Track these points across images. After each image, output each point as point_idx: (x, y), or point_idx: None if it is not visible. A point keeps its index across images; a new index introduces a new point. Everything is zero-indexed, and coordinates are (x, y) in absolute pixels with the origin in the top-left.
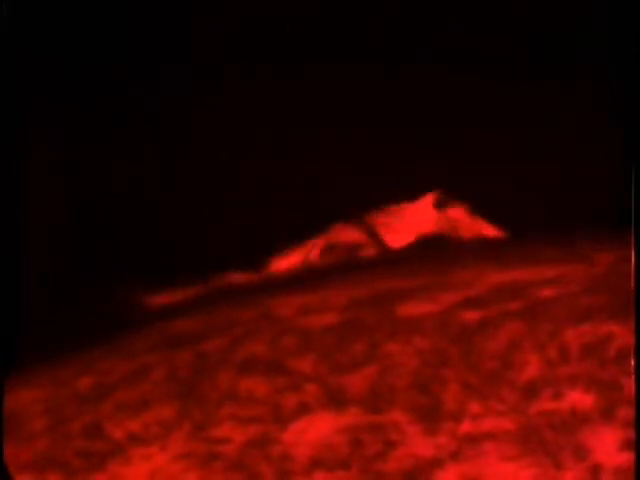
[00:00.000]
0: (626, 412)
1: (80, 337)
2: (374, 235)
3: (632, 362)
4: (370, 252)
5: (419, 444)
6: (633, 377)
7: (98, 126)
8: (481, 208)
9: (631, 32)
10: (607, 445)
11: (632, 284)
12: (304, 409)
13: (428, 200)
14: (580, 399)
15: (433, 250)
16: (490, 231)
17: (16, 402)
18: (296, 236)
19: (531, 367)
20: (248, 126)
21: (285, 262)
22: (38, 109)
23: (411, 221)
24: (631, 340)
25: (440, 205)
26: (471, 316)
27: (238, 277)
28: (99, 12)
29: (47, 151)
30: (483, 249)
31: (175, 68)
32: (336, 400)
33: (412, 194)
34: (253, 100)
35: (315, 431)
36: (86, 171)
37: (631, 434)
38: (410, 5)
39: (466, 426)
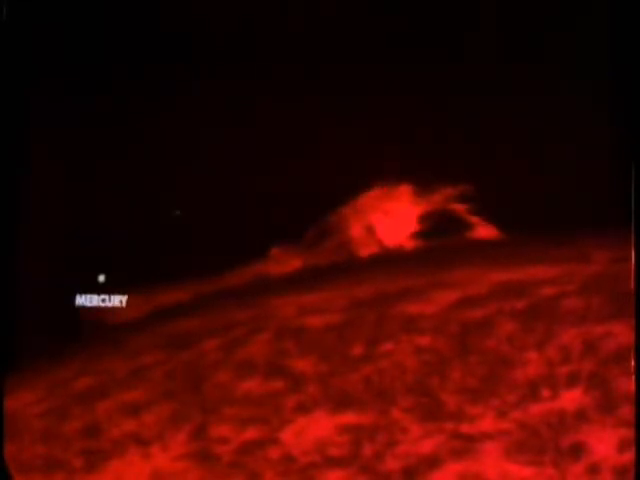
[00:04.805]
0: (626, 412)
1: (79, 337)
2: (374, 233)
3: (632, 362)
4: (370, 251)
5: (419, 444)
6: (633, 377)
7: (97, 126)
8: (481, 207)
9: (632, 30)
10: (606, 445)
11: (632, 284)
12: (304, 409)
13: (429, 199)
14: (580, 399)
15: (433, 249)
16: (490, 231)
17: (15, 403)
18: (294, 235)
19: (531, 366)
20: (246, 124)
21: (283, 261)
22: (38, 109)
23: (411, 220)
24: (631, 340)
25: (441, 204)
26: (471, 315)
27: (237, 277)
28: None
29: (45, 154)
30: (483, 248)
31: (172, 68)
32: (336, 400)
33: (411, 193)
34: (253, 103)
35: (315, 431)
36: (83, 172)
37: (631, 434)
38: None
39: (465, 426)
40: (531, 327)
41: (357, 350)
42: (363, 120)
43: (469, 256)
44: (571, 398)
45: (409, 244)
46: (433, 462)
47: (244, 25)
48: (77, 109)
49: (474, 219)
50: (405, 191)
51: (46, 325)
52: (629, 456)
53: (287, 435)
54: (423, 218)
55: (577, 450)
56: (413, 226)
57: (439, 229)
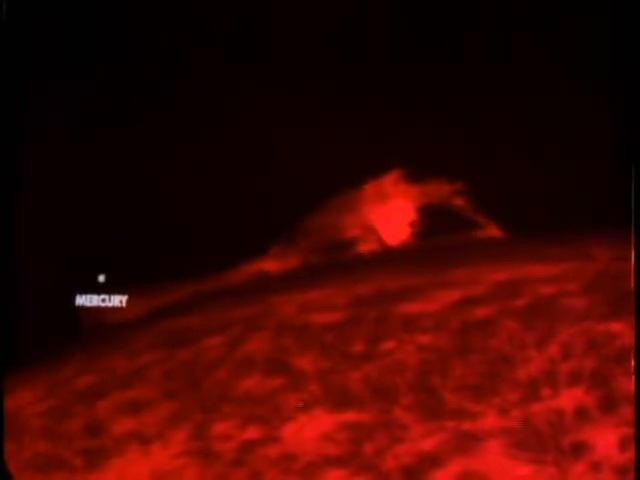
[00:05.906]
0: (626, 410)
1: (78, 337)
2: (374, 232)
3: (632, 361)
4: (371, 249)
5: (420, 442)
6: (633, 376)
7: (97, 126)
8: (481, 207)
9: (632, 30)
10: (607, 443)
11: (632, 283)
12: (304, 407)
13: (429, 199)
14: (581, 397)
15: (434, 248)
16: (491, 230)
17: (16, 402)
18: (293, 234)
19: (532, 365)
20: (249, 122)
21: (282, 260)
22: (38, 109)
23: (411, 219)
24: (631, 339)
25: (441, 204)
26: (472, 314)
27: (236, 275)
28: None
29: (45, 154)
30: (484, 248)
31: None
32: (336, 398)
33: (411, 193)
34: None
35: (315, 429)
36: (83, 172)
37: (631, 433)
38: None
39: (467, 424)
40: (532, 326)
41: (358, 348)
42: (363, 120)
43: (470, 255)
44: (572, 397)
45: (410, 243)
46: (434, 460)
47: (244, 25)
48: (77, 109)
49: (475, 218)
50: (405, 190)
51: (46, 325)
52: (630, 455)
53: (287, 433)
54: (424, 217)
55: (578, 448)
56: (414, 225)
57: (440, 228)
